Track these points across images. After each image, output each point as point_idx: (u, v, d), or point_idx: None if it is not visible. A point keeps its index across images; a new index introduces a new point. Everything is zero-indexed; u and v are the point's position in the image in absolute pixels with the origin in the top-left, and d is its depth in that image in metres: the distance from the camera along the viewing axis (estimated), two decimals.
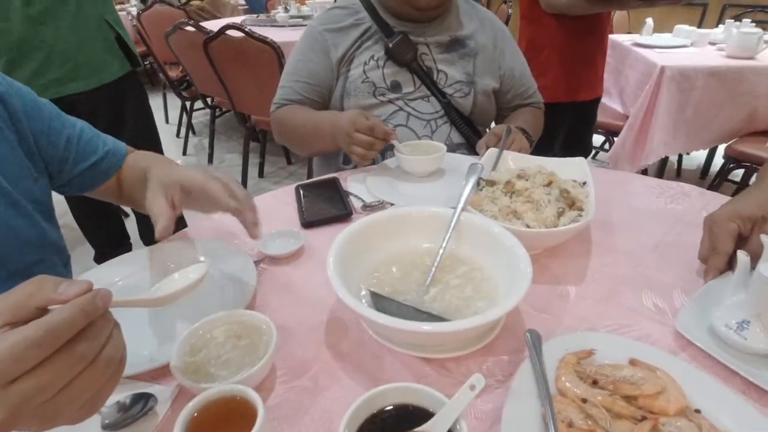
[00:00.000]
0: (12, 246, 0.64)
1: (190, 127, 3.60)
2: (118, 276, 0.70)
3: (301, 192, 0.93)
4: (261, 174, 3.04)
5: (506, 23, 2.71)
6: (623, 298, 0.62)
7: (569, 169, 0.82)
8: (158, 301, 0.45)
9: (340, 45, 1.10)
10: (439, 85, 1.12)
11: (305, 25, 2.84)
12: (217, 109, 3.27)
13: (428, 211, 0.67)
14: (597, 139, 2.57)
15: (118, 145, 0.81)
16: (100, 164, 0.78)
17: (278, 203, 0.92)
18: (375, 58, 1.10)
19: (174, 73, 3.17)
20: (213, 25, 2.58)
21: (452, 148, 1.12)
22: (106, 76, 1.58)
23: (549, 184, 0.75)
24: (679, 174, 2.78)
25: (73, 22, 1.45)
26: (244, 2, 4.62)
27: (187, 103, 3.45)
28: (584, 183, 0.77)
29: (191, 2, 4.05)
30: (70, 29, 1.46)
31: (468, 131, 1.15)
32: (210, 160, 3.23)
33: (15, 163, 0.67)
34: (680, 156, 2.78)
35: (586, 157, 1.91)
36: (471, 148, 1.14)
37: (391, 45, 1.07)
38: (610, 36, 2.28)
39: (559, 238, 0.68)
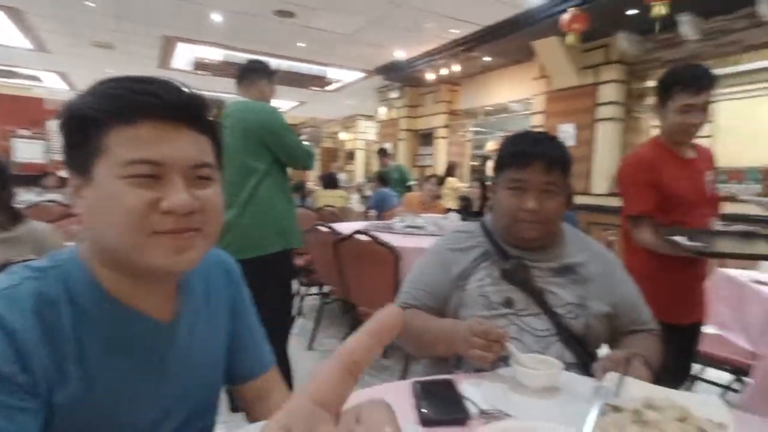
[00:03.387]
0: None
1: (300, 309, 3.98)
2: None
3: (419, 388, 0.99)
4: None
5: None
6: None
7: (703, 409, 0.79)
8: None
9: (461, 262, 1.29)
10: (549, 304, 1.22)
11: (417, 234, 3.28)
12: (327, 297, 3.62)
13: (557, 430, 0.70)
14: (719, 375, 2.32)
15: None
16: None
17: (390, 396, 0.97)
18: (491, 276, 1.25)
19: (299, 261, 3.69)
20: (342, 227, 3.07)
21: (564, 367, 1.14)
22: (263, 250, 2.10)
23: (684, 419, 0.74)
24: None
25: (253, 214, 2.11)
26: (365, 209, 5.48)
27: (302, 288, 3.89)
28: (721, 424, 0.74)
29: (325, 207, 4.95)
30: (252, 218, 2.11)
31: (581, 352, 1.18)
32: (311, 341, 3.43)
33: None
34: None
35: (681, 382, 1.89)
36: (583, 369, 1.15)
37: (506, 267, 1.24)
38: (724, 270, 2.27)
39: None
